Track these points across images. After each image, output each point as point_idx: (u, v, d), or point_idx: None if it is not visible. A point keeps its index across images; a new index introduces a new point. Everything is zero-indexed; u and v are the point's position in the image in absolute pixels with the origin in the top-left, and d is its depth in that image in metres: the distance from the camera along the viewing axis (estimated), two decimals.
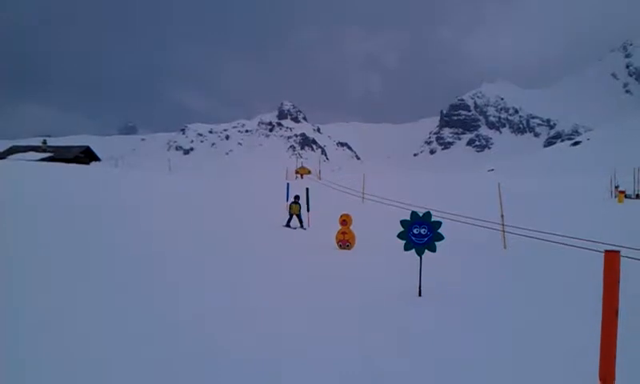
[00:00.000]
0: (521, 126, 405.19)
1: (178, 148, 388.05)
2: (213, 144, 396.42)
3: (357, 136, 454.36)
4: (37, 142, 45.37)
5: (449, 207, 15.07)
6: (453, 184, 39.04)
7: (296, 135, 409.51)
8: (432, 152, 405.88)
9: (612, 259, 3.22)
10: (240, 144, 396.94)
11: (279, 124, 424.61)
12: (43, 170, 23.35)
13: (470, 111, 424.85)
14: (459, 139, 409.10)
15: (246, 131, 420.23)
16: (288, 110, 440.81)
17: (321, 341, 5.10)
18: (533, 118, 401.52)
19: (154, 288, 6.92)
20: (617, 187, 33.39)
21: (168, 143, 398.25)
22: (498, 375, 4.39)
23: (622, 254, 3.29)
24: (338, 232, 12.00)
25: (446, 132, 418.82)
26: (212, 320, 5.62)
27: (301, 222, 15.71)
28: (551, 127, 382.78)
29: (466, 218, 14.08)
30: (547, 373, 4.46)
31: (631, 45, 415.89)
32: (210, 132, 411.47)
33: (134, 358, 4.38)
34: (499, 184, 12.84)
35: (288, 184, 21.10)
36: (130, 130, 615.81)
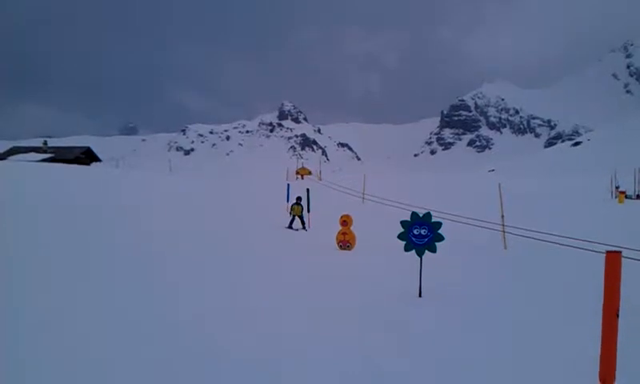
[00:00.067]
0: (521, 126, 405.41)
1: (178, 149, 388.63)
2: (213, 145, 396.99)
3: (357, 136, 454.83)
4: (37, 142, 45.42)
5: (449, 208, 15.07)
6: (453, 184, 39.01)
7: (296, 136, 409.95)
8: (432, 152, 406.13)
9: (613, 260, 3.22)
10: (240, 145, 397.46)
11: (280, 124, 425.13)
12: (44, 170, 23.37)
13: (470, 112, 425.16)
14: (460, 140, 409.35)
15: (247, 132, 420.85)
16: (288, 111, 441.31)
17: (321, 341, 5.10)
18: (533, 118, 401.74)
19: (154, 288, 6.92)
20: (617, 188, 33.36)
21: (168, 144, 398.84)
22: (498, 375, 4.38)
23: (622, 254, 3.29)
24: (339, 232, 12.00)
25: (447, 132, 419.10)
26: (212, 320, 5.62)
27: (303, 223, 15.69)
28: (552, 128, 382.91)
29: (467, 218, 14.07)
30: (547, 373, 4.46)
31: (632, 45, 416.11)
32: (211, 132, 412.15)
33: (134, 358, 4.38)
34: (500, 184, 12.83)
35: (288, 185, 21.11)
36: (130, 131, 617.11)
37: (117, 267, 7.97)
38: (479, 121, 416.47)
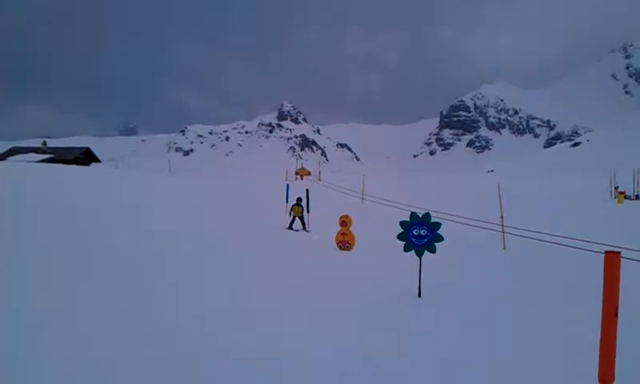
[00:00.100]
0: (521, 127, 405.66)
1: (178, 149, 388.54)
2: (213, 145, 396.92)
3: (357, 137, 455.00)
4: (37, 143, 45.44)
5: (448, 208, 15.07)
6: (452, 185, 39.02)
7: (296, 136, 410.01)
8: (432, 153, 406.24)
9: (612, 260, 3.23)
10: (240, 145, 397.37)
11: (279, 125, 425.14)
12: (44, 171, 23.37)
13: (469, 112, 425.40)
14: (459, 140, 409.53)
15: (246, 132, 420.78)
16: (288, 111, 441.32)
17: (321, 341, 5.10)
18: (533, 119, 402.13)
19: (153, 288, 6.92)
20: (616, 188, 33.42)
21: (168, 144, 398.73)
22: (498, 375, 4.39)
23: (621, 254, 3.30)
24: (338, 233, 12.00)
25: (446, 133, 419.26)
26: (212, 320, 5.62)
27: (303, 224, 15.68)
28: (551, 128, 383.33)
29: (466, 218, 14.08)
30: (547, 373, 4.47)
31: (631, 46, 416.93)
32: (210, 133, 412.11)
33: (134, 358, 4.38)
34: (499, 185, 12.86)
35: (288, 185, 21.08)
36: (130, 131, 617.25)
37: (117, 267, 7.96)
38: (478, 121, 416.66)
